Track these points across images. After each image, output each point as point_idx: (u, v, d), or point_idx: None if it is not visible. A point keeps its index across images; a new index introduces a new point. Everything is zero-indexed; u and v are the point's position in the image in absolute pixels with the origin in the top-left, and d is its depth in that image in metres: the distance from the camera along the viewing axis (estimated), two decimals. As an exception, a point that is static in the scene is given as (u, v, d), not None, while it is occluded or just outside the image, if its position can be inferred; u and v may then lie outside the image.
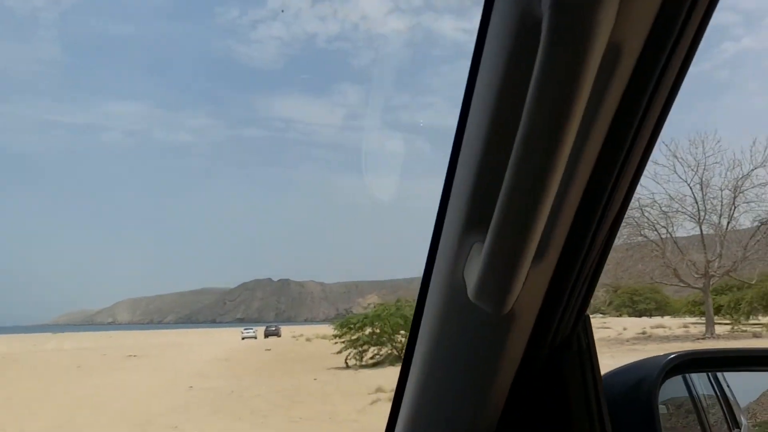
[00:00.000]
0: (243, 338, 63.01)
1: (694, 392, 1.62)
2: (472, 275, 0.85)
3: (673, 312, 64.12)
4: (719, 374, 1.82)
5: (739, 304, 44.44)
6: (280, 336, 66.02)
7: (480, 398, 1.02)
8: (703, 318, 51.13)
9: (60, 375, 24.69)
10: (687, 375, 1.56)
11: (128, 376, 23.50)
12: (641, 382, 1.26)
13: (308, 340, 44.28)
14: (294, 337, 55.63)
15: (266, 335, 67.02)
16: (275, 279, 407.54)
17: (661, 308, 67.93)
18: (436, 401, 1.07)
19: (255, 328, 70.14)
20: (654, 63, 0.78)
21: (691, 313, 58.04)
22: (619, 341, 29.29)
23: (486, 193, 0.84)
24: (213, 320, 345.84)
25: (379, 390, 15.34)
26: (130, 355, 35.28)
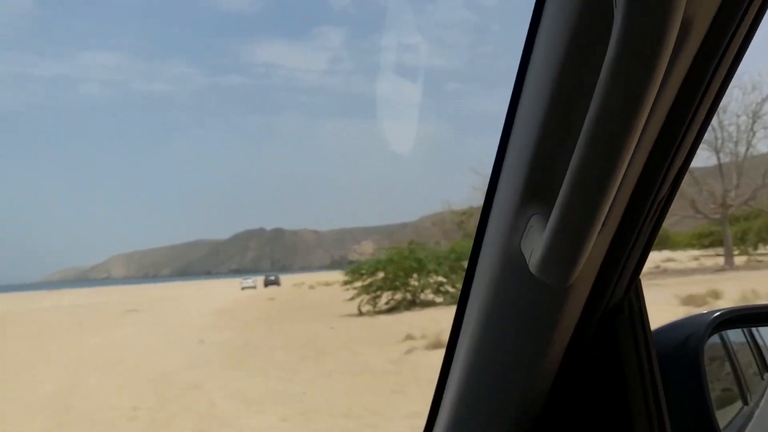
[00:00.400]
0: (242, 288, 62.36)
1: (729, 346, 1.66)
2: (532, 248, 0.84)
3: (673, 245, 63.81)
4: (754, 329, 1.83)
5: (747, 235, 43.95)
6: (279, 285, 65.49)
7: (533, 366, 1.02)
8: (709, 250, 50.71)
9: (61, 333, 23.60)
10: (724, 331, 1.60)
11: (132, 331, 22.46)
12: (688, 339, 1.29)
13: (311, 287, 43.43)
14: (295, 285, 54.97)
15: (266, 285, 66.42)
16: (268, 228, 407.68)
17: (662, 242, 67.65)
18: (489, 371, 1.06)
19: (254, 278, 69.39)
20: (719, 39, 0.78)
21: (695, 246, 57.75)
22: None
23: (548, 166, 0.84)
24: (208, 272, 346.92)
25: (409, 337, 14.31)
26: (130, 310, 34.30)
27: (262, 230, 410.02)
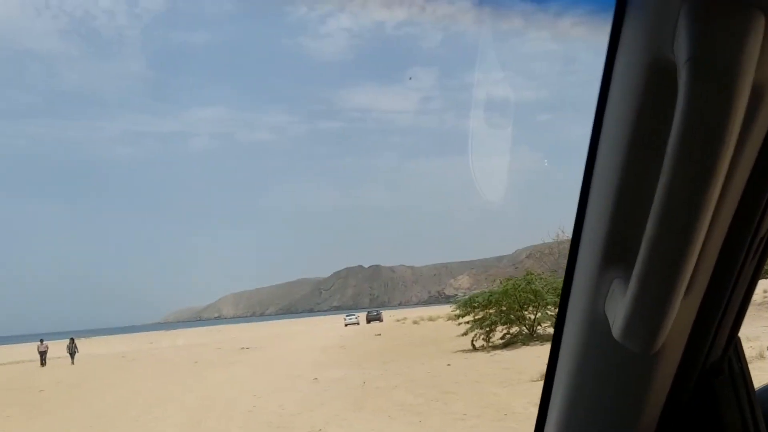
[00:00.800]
0: (346, 325, 62.39)
1: None
2: (615, 313, 0.84)
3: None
4: None
5: None
6: (382, 321, 64.99)
7: None
8: None
9: (180, 372, 24.05)
10: None
11: (247, 370, 22.39)
12: None
13: (415, 322, 42.37)
14: (398, 321, 54.08)
15: (368, 320, 66.18)
16: (366, 265, 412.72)
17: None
18: None
19: (357, 314, 69.49)
20: None
21: None
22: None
23: (626, 229, 0.84)
24: (311, 309, 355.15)
25: (543, 377, 12.84)
26: (243, 348, 34.81)
27: (360, 267, 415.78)
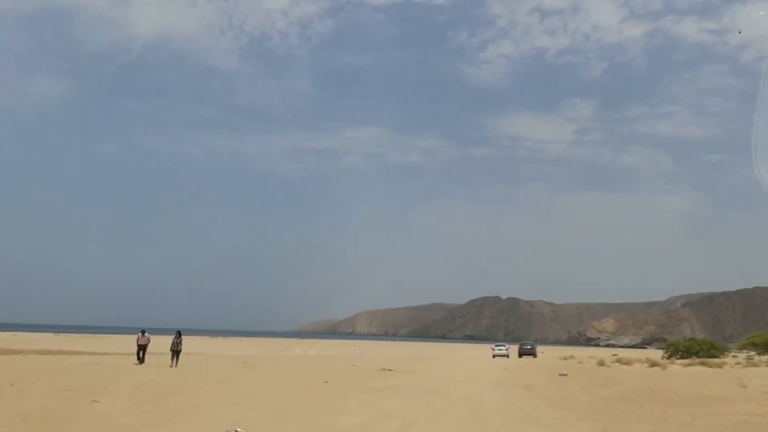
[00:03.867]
0: (494, 356, 53.83)
1: None
2: None
3: None
4: None
5: None
6: (536, 356, 55.48)
7: None
8: None
9: (306, 393, 17.83)
10: None
11: (395, 402, 15.57)
12: None
13: (601, 364, 33.01)
14: (563, 358, 44.53)
15: (521, 354, 56.89)
16: (503, 297, 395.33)
17: None
18: None
19: (508, 346, 60.22)
20: None
21: None
22: None
23: None
24: (443, 335, 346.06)
25: None
26: (384, 369, 28.22)
27: (497, 298, 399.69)
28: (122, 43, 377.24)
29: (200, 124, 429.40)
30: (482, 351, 69.92)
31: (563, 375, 24.34)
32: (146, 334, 29.02)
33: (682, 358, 36.15)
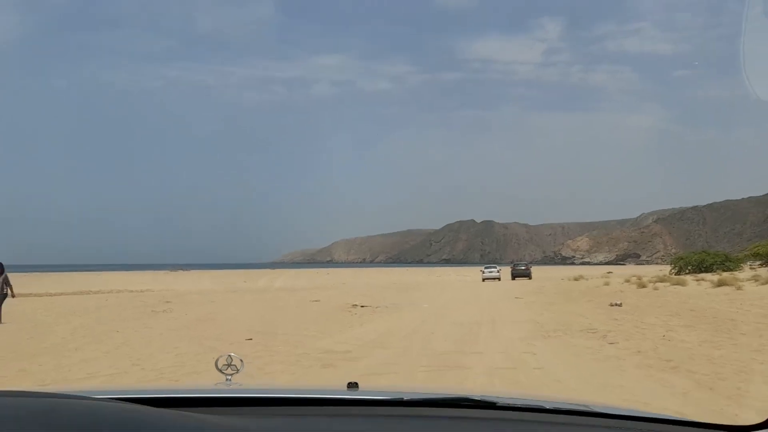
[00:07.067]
0: (484, 279, 50.39)
1: None
2: None
3: None
4: None
5: None
6: (531, 278, 52.11)
7: None
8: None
9: (194, 374, 13.60)
10: None
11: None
12: None
13: (607, 284, 29.48)
14: (574, 279, 40.66)
15: (513, 276, 53.55)
16: (478, 220, 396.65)
17: None
18: None
19: (498, 267, 56.76)
20: None
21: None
22: None
23: None
24: (420, 260, 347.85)
25: None
26: (355, 305, 24.07)
27: (472, 222, 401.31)
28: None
29: (158, 55, 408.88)
30: (465, 274, 66.74)
31: (616, 305, 19.72)
32: None
33: (693, 272, 33.33)
